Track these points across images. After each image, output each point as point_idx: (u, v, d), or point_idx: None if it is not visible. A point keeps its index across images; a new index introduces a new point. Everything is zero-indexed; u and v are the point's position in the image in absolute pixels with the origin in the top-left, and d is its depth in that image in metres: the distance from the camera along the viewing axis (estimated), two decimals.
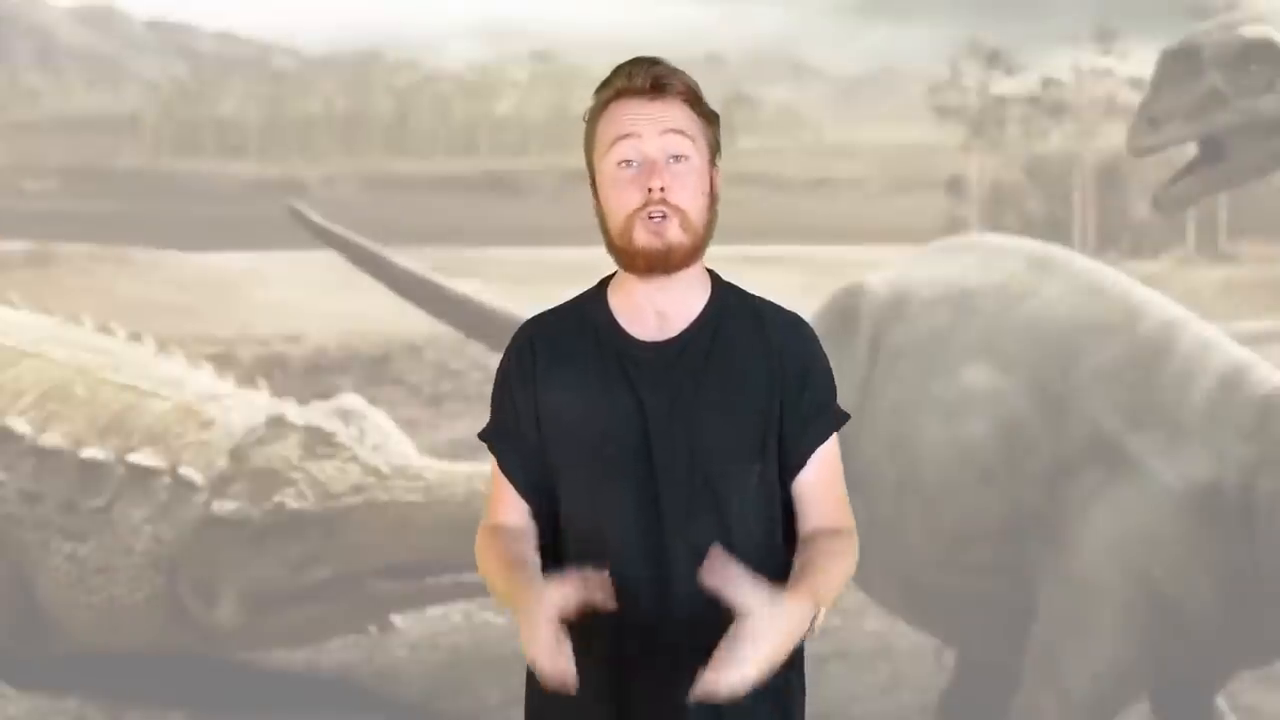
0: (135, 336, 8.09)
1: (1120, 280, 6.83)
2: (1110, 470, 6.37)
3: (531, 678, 2.63)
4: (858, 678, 7.90)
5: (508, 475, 2.62)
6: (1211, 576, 6.26)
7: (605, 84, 2.59)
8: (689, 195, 2.55)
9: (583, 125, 2.59)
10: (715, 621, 2.50)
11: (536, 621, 2.41)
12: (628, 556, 2.53)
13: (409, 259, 8.29)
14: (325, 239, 8.47)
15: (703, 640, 2.50)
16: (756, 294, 2.68)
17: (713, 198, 2.59)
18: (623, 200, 2.54)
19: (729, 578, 2.39)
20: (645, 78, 2.56)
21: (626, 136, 2.54)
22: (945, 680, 7.31)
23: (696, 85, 2.60)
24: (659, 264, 2.54)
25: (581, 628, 2.52)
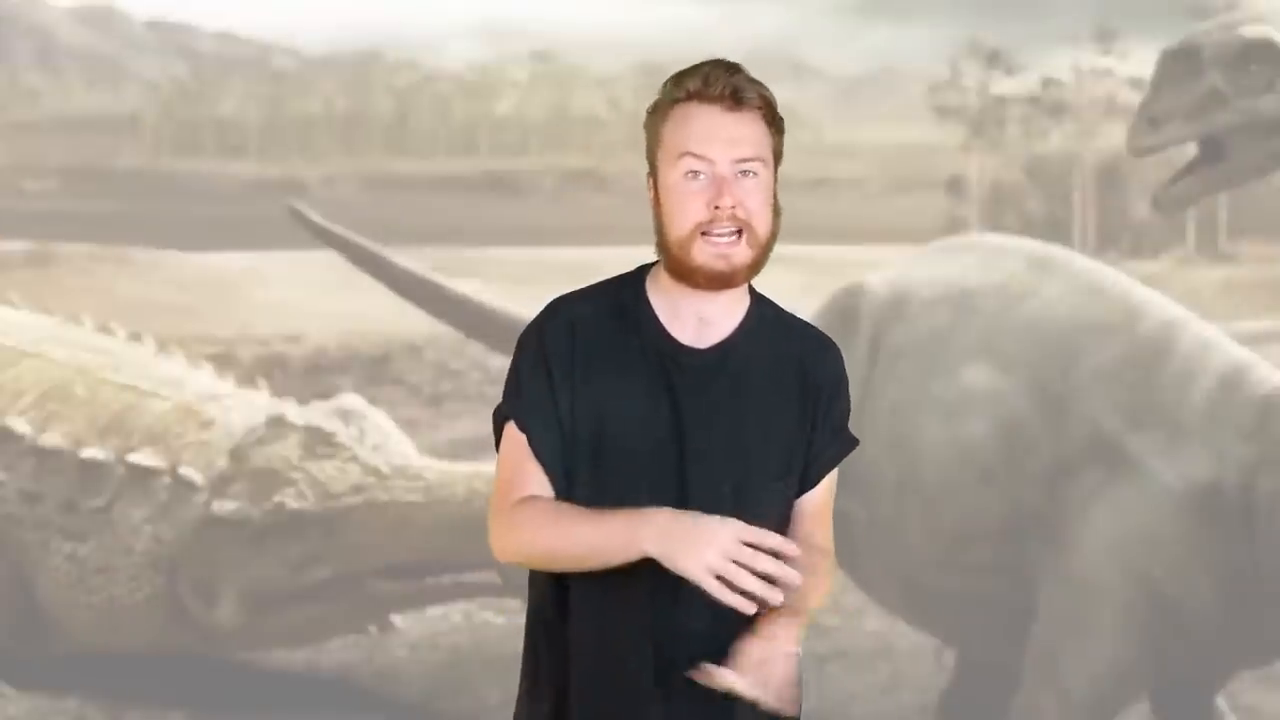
0: (135, 336, 8.09)
1: (1120, 280, 6.84)
2: (1110, 470, 6.37)
3: (527, 680, 2.62)
4: (858, 678, 7.90)
5: (540, 456, 2.53)
6: (1211, 576, 6.26)
7: (678, 80, 2.52)
8: (757, 210, 2.49)
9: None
10: (728, 633, 2.50)
11: (719, 531, 2.36)
12: (649, 563, 2.48)
13: (409, 259, 8.29)
14: (325, 239, 8.47)
15: (715, 651, 2.50)
16: (788, 309, 2.65)
17: (776, 210, 2.54)
18: (687, 212, 2.48)
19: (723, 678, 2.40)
20: (724, 86, 2.48)
21: (697, 156, 2.48)
22: (945, 680, 7.31)
23: (772, 96, 2.53)
24: (719, 284, 2.50)
25: (596, 636, 2.52)
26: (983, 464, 6.48)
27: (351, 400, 7.74)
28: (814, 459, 2.58)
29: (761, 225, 2.49)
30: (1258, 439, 6.26)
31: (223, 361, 9.25)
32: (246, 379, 8.17)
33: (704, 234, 2.47)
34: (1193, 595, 6.27)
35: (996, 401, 6.51)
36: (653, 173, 2.53)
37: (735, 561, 2.35)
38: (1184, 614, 6.28)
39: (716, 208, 2.46)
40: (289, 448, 7.36)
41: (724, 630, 2.48)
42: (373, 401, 7.92)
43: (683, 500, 2.48)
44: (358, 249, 8.29)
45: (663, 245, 2.51)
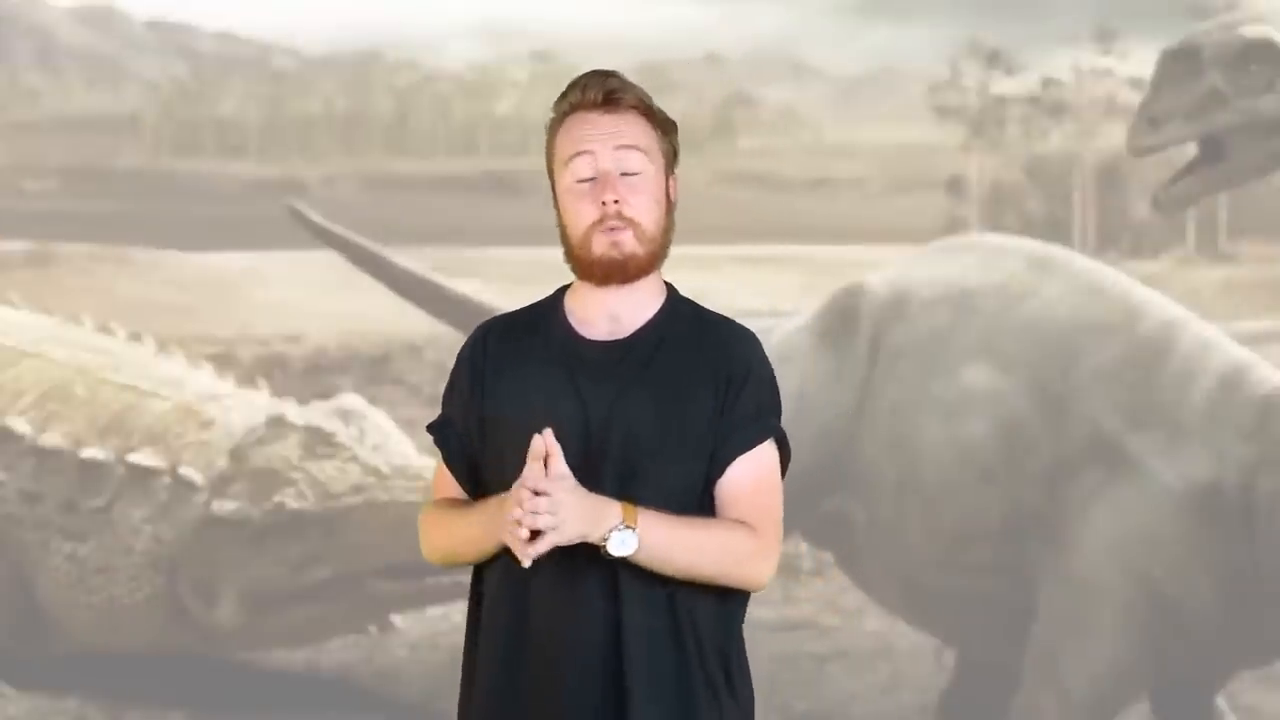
0: (135, 336, 8.09)
1: (1120, 280, 6.84)
2: (1110, 470, 6.37)
3: (472, 669, 2.66)
4: (858, 678, 7.90)
5: (450, 467, 2.71)
6: (1211, 576, 6.27)
7: (561, 96, 2.67)
8: (643, 206, 2.62)
9: (546, 126, 2.66)
10: (622, 609, 2.56)
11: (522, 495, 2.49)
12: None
13: (409, 259, 8.29)
14: (325, 239, 8.47)
15: (615, 628, 2.55)
16: (711, 309, 2.72)
17: (669, 206, 2.66)
18: (580, 213, 2.62)
19: (555, 458, 2.49)
20: (598, 91, 2.63)
21: (581, 154, 2.62)
22: (945, 680, 7.31)
23: (649, 97, 2.66)
24: (616, 273, 2.61)
25: (494, 622, 2.61)
26: (983, 464, 6.48)
27: (351, 400, 7.74)
28: (720, 442, 2.60)
29: (649, 222, 2.62)
30: (1258, 439, 6.27)
31: (223, 361, 9.24)
32: (246, 379, 8.16)
33: (600, 230, 2.61)
34: (1193, 595, 6.27)
35: (996, 401, 6.52)
36: (554, 188, 2.67)
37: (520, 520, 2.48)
38: (1184, 614, 6.28)
39: (604, 203, 2.59)
40: (289, 448, 7.36)
41: (629, 618, 2.56)
42: (373, 401, 7.92)
43: (589, 487, 2.53)
44: (358, 249, 8.29)
45: (567, 250, 2.65)
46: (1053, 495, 6.42)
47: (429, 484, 8.19)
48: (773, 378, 2.67)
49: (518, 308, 2.75)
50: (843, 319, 6.73)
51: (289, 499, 7.25)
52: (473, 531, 2.62)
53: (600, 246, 2.60)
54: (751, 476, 2.62)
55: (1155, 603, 6.29)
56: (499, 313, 2.80)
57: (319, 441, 7.36)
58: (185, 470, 7.37)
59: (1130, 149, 7.14)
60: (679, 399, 2.59)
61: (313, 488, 7.27)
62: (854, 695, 7.73)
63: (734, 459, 2.61)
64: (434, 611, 8.22)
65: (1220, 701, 6.87)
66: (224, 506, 7.30)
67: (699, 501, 2.60)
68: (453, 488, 2.72)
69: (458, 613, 8.41)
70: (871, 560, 6.79)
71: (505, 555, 2.57)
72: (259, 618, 7.31)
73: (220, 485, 7.33)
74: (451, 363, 2.76)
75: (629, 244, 2.60)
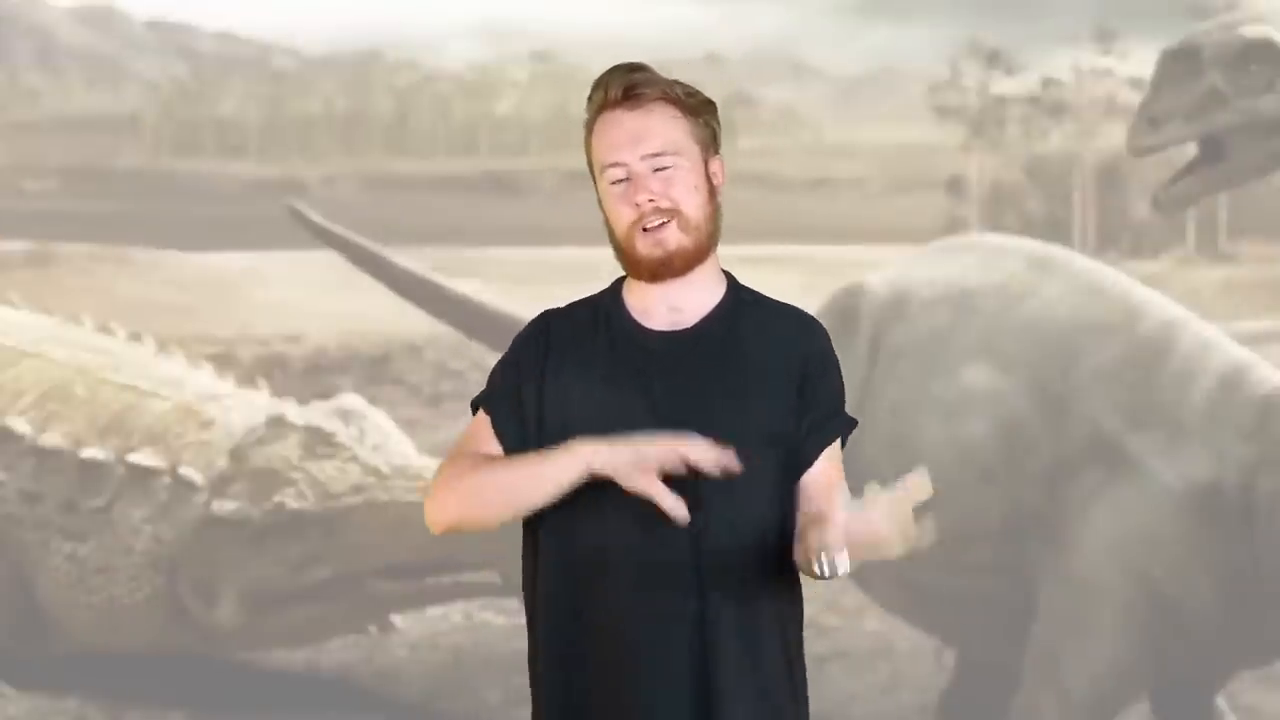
0: (135, 336, 8.10)
1: (1120, 280, 6.84)
2: (1110, 470, 6.37)
3: (537, 680, 2.63)
4: (858, 678, 7.90)
5: (502, 437, 2.60)
6: (1211, 576, 6.27)
7: (590, 96, 2.64)
8: (681, 192, 2.58)
9: (583, 126, 2.64)
10: (707, 606, 2.53)
11: (638, 447, 2.46)
12: (628, 541, 2.53)
13: (409, 259, 8.29)
14: (325, 239, 8.48)
15: (700, 625, 2.52)
16: (772, 295, 2.70)
17: (712, 191, 2.63)
18: (619, 216, 2.60)
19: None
20: (618, 88, 2.60)
21: (612, 165, 2.59)
22: (945, 680, 7.31)
23: (673, 86, 2.62)
24: (663, 271, 2.59)
25: (581, 612, 2.55)
26: (983, 464, 6.48)
27: (351, 400, 7.75)
28: (805, 436, 2.61)
29: (690, 208, 2.59)
30: (1258, 439, 6.27)
31: (223, 361, 9.24)
32: (246, 379, 8.17)
33: (643, 229, 2.58)
34: (1193, 595, 6.28)
35: (996, 401, 6.52)
36: (595, 186, 2.65)
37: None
38: (1184, 614, 6.29)
39: (638, 205, 2.57)
40: (289, 448, 7.36)
41: (719, 602, 2.53)
42: (373, 401, 7.92)
43: (665, 483, 2.50)
44: (358, 249, 8.30)
45: (615, 249, 2.63)
46: (1053, 495, 6.42)
47: (429, 484, 8.20)
48: (839, 363, 2.68)
49: (574, 300, 2.71)
50: (843, 319, 6.74)
51: (289, 499, 7.26)
52: (534, 461, 2.52)
53: (643, 247, 2.58)
54: (831, 469, 2.65)
55: (1155, 603, 6.29)
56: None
57: (319, 441, 7.36)
58: (185, 470, 7.37)
59: (1130, 149, 7.15)
60: (756, 387, 2.58)
61: (313, 488, 7.27)
62: (854, 695, 7.73)
63: (819, 454, 2.63)
64: (434, 611, 8.23)
65: (1220, 701, 6.87)
66: (224, 506, 7.30)
67: (785, 489, 2.59)
68: (490, 446, 2.61)
69: (458, 613, 8.42)
70: (871, 560, 6.79)
71: (561, 550, 2.55)
72: (259, 618, 7.31)
73: (220, 485, 7.34)
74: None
75: (673, 238, 2.58)
